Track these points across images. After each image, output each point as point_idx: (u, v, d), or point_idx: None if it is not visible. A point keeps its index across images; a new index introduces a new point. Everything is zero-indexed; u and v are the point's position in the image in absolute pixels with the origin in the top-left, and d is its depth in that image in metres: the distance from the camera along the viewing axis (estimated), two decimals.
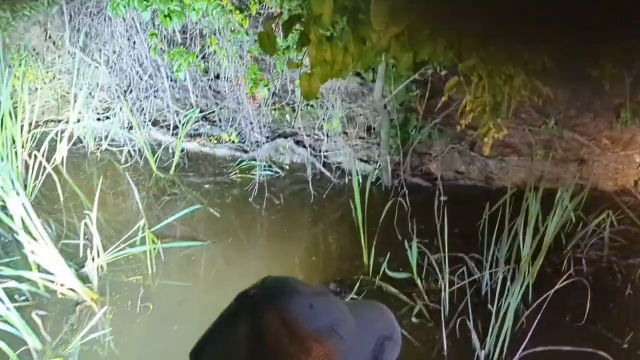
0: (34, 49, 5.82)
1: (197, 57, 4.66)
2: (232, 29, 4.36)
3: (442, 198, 4.84)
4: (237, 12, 4.15)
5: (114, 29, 5.01)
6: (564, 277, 3.06)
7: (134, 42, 5.00)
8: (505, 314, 2.87)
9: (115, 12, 4.34)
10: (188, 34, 4.76)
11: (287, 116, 5.41)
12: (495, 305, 2.89)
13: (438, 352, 2.98)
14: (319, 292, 0.75)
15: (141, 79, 5.22)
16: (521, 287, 2.91)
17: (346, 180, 5.03)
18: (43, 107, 5.78)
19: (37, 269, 3.31)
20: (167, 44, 4.81)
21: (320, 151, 5.31)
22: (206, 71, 5.04)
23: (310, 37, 1.75)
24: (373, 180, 5.07)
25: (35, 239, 3.27)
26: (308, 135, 5.31)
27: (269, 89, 4.37)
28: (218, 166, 5.33)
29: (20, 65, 5.28)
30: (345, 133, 5.28)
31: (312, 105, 5.38)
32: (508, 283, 3.05)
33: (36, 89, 5.69)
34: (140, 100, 5.40)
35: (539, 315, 2.91)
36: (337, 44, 1.83)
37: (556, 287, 3.04)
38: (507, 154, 5.38)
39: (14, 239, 3.84)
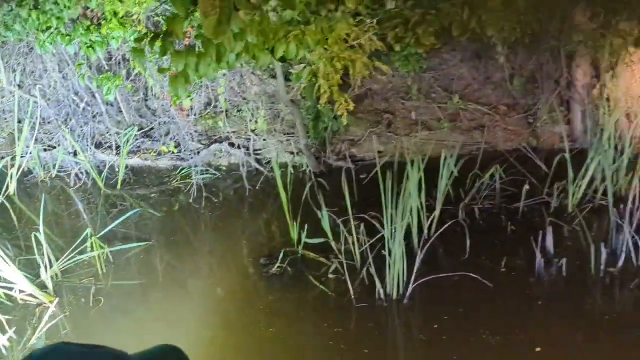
0: None
1: (124, 79, 5.14)
2: (151, 51, 4.85)
3: (362, 176, 5.51)
4: (147, 37, 4.65)
5: (46, 64, 5.45)
6: (432, 220, 3.63)
7: (66, 74, 5.46)
8: (396, 258, 3.44)
9: (43, 49, 4.82)
10: (113, 60, 5.24)
11: (220, 123, 5.93)
12: (386, 251, 3.46)
13: (348, 297, 3.52)
14: (94, 348, 0.74)
15: (78, 106, 5.68)
16: (406, 234, 3.50)
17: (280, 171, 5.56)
18: None
19: None
20: (95, 71, 5.28)
21: (253, 150, 5.85)
22: (136, 91, 5.52)
23: (168, 49, 2.29)
24: (303, 168, 5.66)
25: None
26: (239, 137, 5.85)
27: (191, 99, 4.87)
28: (161, 176, 5.81)
29: None
30: (274, 130, 5.84)
31: (240, 110, 5.91)
32: (401, 235, 3.61)
33: None
34: (81, 127, 5.85)
35: (427, 255, 3.52)
36: (193, 51, 2.37)
37: (440, 231, 3.66)
38: (419, 130, 6.00)
39: None
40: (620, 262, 3.48)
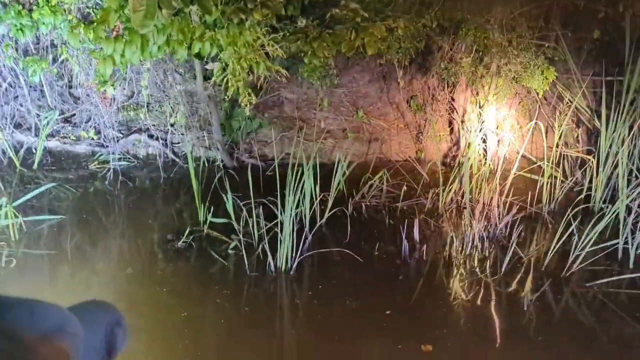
0: None
1: (50, 64, 5.41)
2: (80, 39, 5.18)
3: (269, 173, 6.08)
4: (83, 24, 5.00)
5: None
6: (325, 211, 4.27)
7: None
8: (286, 237, 4.02)
9: None
10: (41, 45, 5.50)
11: (141, 115, 6.29)
12: (279, 232, 4.04)
13: (243, 269, 4.05)
14: (33, 300, 0.71)
15: (0, 86, 5.84)
16: (301, 222, 4.10)
17: (195, 164, 6.01)
18: None
19: None
20: (22, 54, 5.51)
21: (171, 142, 6.26)
22: (61, 77, 5.79)
23: (100, 35, 2.74)
24: (217, 163, 6.15)
25: None
26: (158, 130, 6.25)
27: (114, 88, 5.23)
28: (79, 161, 6.07)
29: None
30: (192, 125, 6.28)
31: (161, 105, 6.32)
32: (293, 219, 4.19)
33: None
34: (2, 106, 6.00)
35: (315, 238, 4.14)
36: (121, 40, 2.84)
37: (326, 218, 4.28)
38: (326, 137, 6.69)
39: None
40: (468, 250, 4.27)
